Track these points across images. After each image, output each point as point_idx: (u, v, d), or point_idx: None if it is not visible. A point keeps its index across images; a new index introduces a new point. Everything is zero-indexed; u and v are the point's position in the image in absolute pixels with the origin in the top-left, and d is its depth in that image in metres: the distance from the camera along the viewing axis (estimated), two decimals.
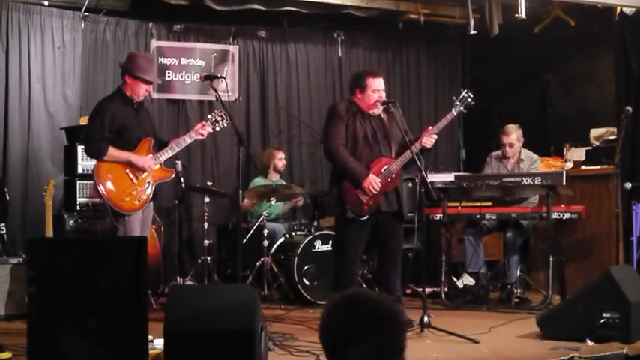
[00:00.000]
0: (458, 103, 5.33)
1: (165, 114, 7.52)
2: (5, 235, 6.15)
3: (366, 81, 5.18)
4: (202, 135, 5.23)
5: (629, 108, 5.87)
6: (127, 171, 4.95)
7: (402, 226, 5.42)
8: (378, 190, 5.09)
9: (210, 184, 7.12)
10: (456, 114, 5.34)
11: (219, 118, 5.21)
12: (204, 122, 5.22)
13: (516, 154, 6.55)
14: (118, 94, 5.09)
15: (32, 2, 6.90)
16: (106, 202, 4.87)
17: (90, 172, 6.21)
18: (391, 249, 5.30)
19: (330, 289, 5.65)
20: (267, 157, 7.32)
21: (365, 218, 5.13)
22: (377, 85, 5.19)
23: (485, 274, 6.51)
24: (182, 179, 6.75)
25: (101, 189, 4.87)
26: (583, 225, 6.59)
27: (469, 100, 5.33)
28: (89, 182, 6.38)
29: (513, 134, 6.50)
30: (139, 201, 4.96)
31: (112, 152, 4.91)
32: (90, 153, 4.95)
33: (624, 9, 6.75)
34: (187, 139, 5.18)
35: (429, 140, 5.20)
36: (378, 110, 5.23)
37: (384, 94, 5.23)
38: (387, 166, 5.15)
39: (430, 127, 5.27)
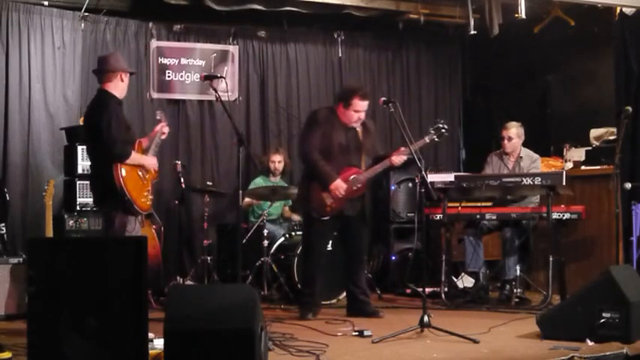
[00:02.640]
0: (432, 131, 5.67)
1: (165, 114, 7.50)
2: (5, 235, 6.15)
3: (352, 100, 5.59)
4: (165, 133, 5.43)
5: (629, 108, 5.88)
6: (139, 172, 5.05)
7: (367, 228, 5.96)
8: (342, 194, 5.56)
9: (210, 184, 7.12)
10: (428, 141, 5.66)
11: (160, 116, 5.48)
12: (162, 122, 5.43)
13: (515, 150, 6.56)
14: (111, 96, 5.06)
15: (32, 2, 6.90)
16: (130, 201, 4.90)
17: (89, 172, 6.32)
18: (357, 248, 5.81)
19: (328, 288, 6.06)
20: (267, 158, 7.36)
21: (326, 218, 5.61)
22: (361, 107, 5.60)
23: (485, 274, 6.51)
24: (182, 179, 6.75)
25: (125, 189, 4.88)
26: (583, 225, 6.58)
27: (443, 130, 5.69)
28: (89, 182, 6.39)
29: (513, 129, 6.53)
30: (150, 201, 5.15)
31: (133, 155, 4.99)
32: (116, 156, 4.90)
33: (624, 9, 6.75)
34: (159, 139, 5.36)
35: (398, 159, 5.66)
36: (354, 124, 5.64)
37: (363, 115, 5.64)
38: (355, 175, 5.63)
39: (403, 148, 5.63)
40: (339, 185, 5.54)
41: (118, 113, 5.02)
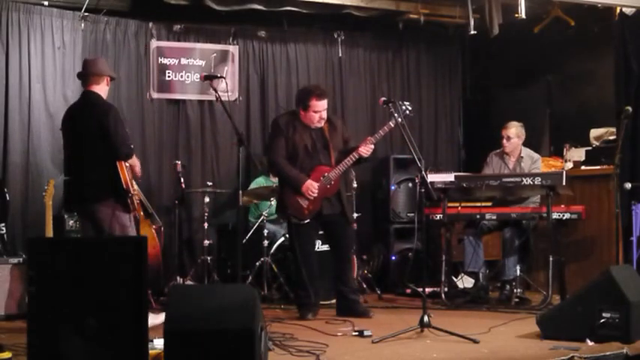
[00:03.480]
0: (396, 115, 5.45)
1: (165, 114, 7.52)
2: (5, 235, 6.16)
3: (310, 102, 5.65)
4: None
5: (629, 108, 5.87)
6: (132, 174, 5.24)
7: (351, 227, 6.00)
8: (315, 194, 5.61)
9: (210, 184, 7.12)
10: (393, 126, 5.52)
11: None
12: None
13: (515, 150, 6.55)
14: (103, 98, 5.26)
15: (32, 2, 6.90)
16: (132, 198, 5.11)
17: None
18: (343, 247, 5.84)
19: (328, 288, 6.03)
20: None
21: (307, 221, 5.65)
22: (319, 107, 5.65)
23: (485, 274, 6.51)
24: (182, 179, 6.75)
25: (129, 185, 5.09)
26: (583, 225, 6.58)
27: (407, 112, 5.56)
28: None
29: (512, 128, 6.52)
30: (138, 200, 5.39)
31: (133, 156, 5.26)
32: (124, 155, 5.11)
33: (624, 9, 6.74)
34: None
35: (365, 149, 5.64)
36: (320, 125, 5.69)
37: (325, 114, 5.69)
38: (325, 174, 5.66)
39: (369, 137, 5.70)
40: (311, 185, 5.60)
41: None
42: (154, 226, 6.52)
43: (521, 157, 6.56)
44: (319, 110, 5.66)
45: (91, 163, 5.14)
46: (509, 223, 6.34)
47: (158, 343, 3.93)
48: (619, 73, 6.84)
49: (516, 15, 6.59)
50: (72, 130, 5.31)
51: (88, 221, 5.22)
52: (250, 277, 6.48)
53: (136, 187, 5.46)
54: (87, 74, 5.28)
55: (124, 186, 5.04)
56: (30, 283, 3.42)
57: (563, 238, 6.40)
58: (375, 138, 5.69)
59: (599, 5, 6.82)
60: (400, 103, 5.55)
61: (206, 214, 6.89)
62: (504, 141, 6.53)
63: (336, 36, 8.12)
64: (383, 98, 5.42)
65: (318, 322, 5.42)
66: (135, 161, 5.25)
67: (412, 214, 7.17)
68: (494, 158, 6.68)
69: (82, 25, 7.09)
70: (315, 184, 5.62)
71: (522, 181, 6.11)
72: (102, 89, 5.27)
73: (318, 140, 5.73)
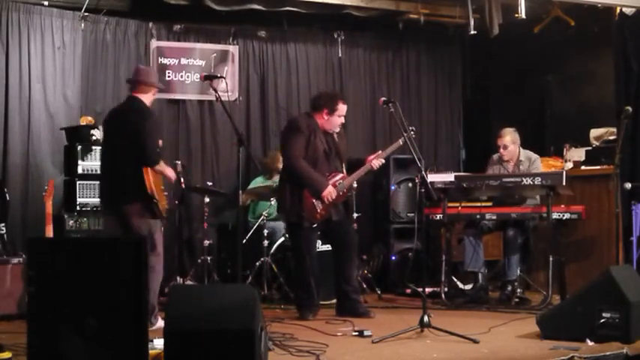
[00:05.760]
0: (405, 134, 5.43)
1: (165, 114, 7.52)
2: (5, 235, 6.15)
3: (338, 105, 5.66)
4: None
5: (629, 108, 5.87)
6: (161, 179, 5.30)
7: (352, 227, 6.11)
8: (332, 200, 5.62)
9: (210, 184, 7.12)
10: (401, 143, 5.62)
11: None
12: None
13: (514, 156, 6.53)
14: (148, 106, 5.34)
15: (32, 2, 6.91)
16: (157, 204, 5.16)
17: (90, 172, 6.46)
18: (347, 244, 5.82)
19: (327, 288, 6.00)
20: (272, 160, 7.28)
21: (315, 225, 5.69)
22: (344, 111, 5.72)
23: (485, 274, 6.51)
24: (182, 179, 6.75)
25: (153, 190, 5.13)
26: (583, 225, 6.58)
27: (412, 133, 5.58)
28: (89, 182, 6.43)
29: (507, 136, 6.50)
30: (166, 206, 5.39)
31: (161, 162, 5.29)
32: (152, 161, 5.16)
33: (624, 9, 6.75)
34: None
35: (377, 163, 5.80)
36: (336, 129, 5.75)
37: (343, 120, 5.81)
38: (341, 181, 5.71)
39: (380, 151, 5.89)
40: (331, 191, 5.61)
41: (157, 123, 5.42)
42: None
43: (520, 160, 6.53)
44: (343, 114, 5.71)
45: (122, 165, 5.18)
46: (509, 223, 6.34)
47: (158, 343, 3.93)
48: (619, 73, 6.85)
49: (516, 15, 6.60)
50: (110, 131, 5.42)
51: (117, 221, 5.28)
52: (250, 277, 6.48)
53: (165, 194, 5.43)
54: (137, 81, 5.36)
55: (148, 191, 5.08)
56: (30, 283, 3.41)
57: (563, 238, 6.40)
58: (386, 153, 5.83)
59: (599, 5, 6.82)
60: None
61: (206, 214, 6.89)
62: (502, 150, 6.51)
63: (336, 36, 8.13)
64: (383, 98, 5.41)
65: (318, 322, 5.42)
66: (163, 167, 5.28)
67: (412, 214, 7.17)
68: (495, 163, 6.67)
69: (82, 25, 7.09)
70: (335, 190, 5.63)
71: (522, 181, 6.10)
72: (148, 98, 5.35)
73: (332, 146, 5.74)
